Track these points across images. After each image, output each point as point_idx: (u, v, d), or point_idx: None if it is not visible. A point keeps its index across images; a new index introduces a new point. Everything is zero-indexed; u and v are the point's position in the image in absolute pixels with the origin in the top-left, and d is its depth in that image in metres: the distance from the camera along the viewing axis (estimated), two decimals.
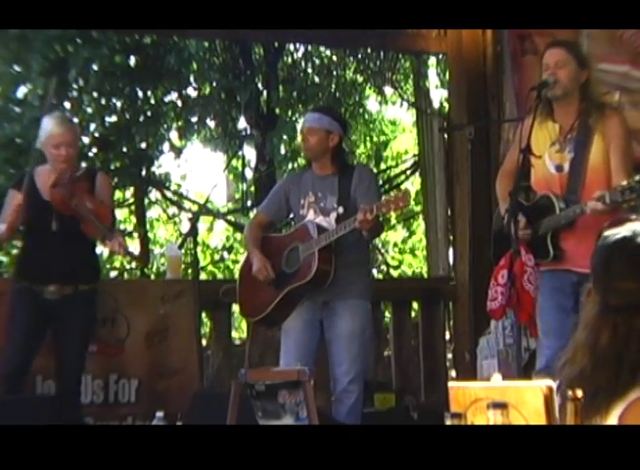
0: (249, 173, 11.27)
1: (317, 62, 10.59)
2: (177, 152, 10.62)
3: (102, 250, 11.22)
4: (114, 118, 9.52)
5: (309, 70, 10.53)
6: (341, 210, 5.04)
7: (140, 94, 9.54)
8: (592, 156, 4.40)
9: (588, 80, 4.48)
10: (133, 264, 11.52)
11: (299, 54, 10.55)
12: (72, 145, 5.21)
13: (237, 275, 5.56)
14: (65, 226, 5.11)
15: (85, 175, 5.30)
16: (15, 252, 5.41)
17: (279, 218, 5.47)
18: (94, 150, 9.45)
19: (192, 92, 10.18)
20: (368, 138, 11.87)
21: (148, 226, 11.94)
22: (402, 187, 11.30)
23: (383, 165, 12.15)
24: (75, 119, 8.99)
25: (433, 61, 9.87)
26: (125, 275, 11.58)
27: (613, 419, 2.08)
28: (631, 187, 4.00)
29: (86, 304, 5.21)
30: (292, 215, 5.39)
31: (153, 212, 12.56)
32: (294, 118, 10.29)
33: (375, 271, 11.95)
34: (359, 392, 5.04)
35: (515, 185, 4.27)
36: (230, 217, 12.43)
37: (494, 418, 1.98)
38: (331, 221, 5.04)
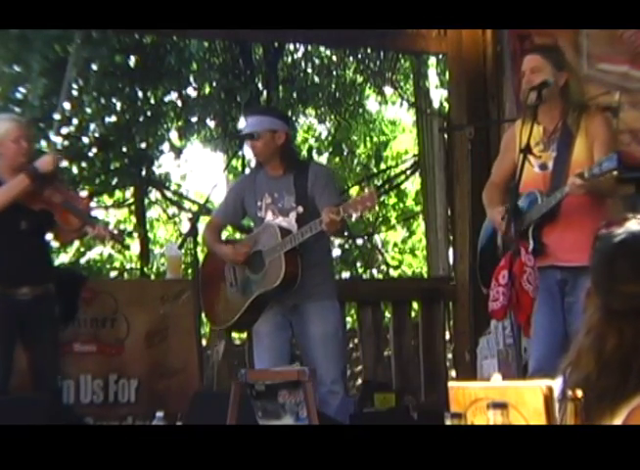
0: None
1: (317, 62, 10.57)
2: (177, 152, 10.62)
3: (102, 249, 11.27)
4: (113, 118, 9.52)
5: (309, 70, 10.51)
6: (300, 209, 4.98)
7: (140, 94, 9.54)
8: (575, 153, 4.42)
9: (567, 82, 4.50)
10: (133, 264, 11.53)
11: (299, 54, 10.54)
12: (29, 138, 5.21)
13: (199, 283, 5.44)
14: (33, 224, 5.07)
15: None
16: None
17: (234, 221, 5.44)
18: (94, 150, 9.45)
19: (192, 92, 10.18)
20: (368, 138, 11.86)
21: (148, 226, 11.93)
22: (402, 186, 11.31)
23: (383, 165, 12.14)
24: (75, 120, 9.05)
25: (433, 61, 9.86)
26: (125, 275, 11.58)
27: (617, 422, 2.08)
28: (609, 158, 4.00)
29: (54, 302, 5.17)
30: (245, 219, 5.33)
31: (153, 212, 12.55)
32: (294, 118, 10.29)
33: (375, 271, 11.95)
34: (343, 391, 5.03)
35: (515, 185, 4.29)
36: None
37: (494, 418, 1.98)
38: (291, 221, 4.99)
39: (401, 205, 12.25)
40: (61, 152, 5.40)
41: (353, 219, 5.51)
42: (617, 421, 2.06)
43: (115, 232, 5.55)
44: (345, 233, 8.92)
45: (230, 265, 5.12)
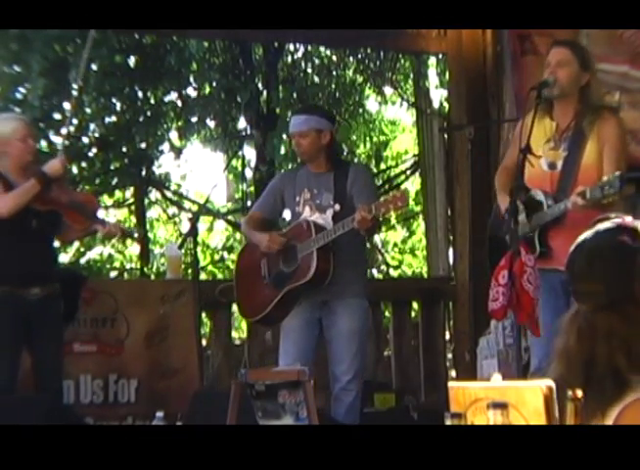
0: (249, 173, 11.26)
1: (317, 62, 10.58)
2: (177, 152, 10.63)
3: (102, 249, 11.28)
4: (113, 118, 9.52)
5: (309, 70, 10.52)
6: (337, 207, 5.02)
7: (140, 94, 9.54)
8: (586, 156, 4.40)
9: (589, 83, 4.47)
10: (133, 264, 11.53)
11: (299, 54, 10.55)
12: (34, 137, 5.22)
13: (234, 274, 5.54)
14: (43, 223, 5.07)
15: None
16: None
17: (274, 216, 5.45)
18: (94, 150, 9.45)
19: (192, 92, 10.19)
20: (368, 138, 11.86)
21: (148, 226, 11.94)
22: (402, 187, 11.31)
23: (383, 165, 12.14)
24: (75, 120, 9.04)
25: (433, 61, 9.87)
26: (125, 275, 11.59)
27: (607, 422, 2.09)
28: (611, 183, 4.00)
29: (60, 302, 5.17)
30: (286, 212, 5.37)
31: (153, 212, 12.56)
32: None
33: (375, 271, 11.95)
34: (358, 390, 5.04)
35: (515, 185, 4.28)
36: (230, 217, 12.43)
37: (494, 418, 1.98)
38: (327, 219, 5.02)
39: None
40: (66, 152, 5.37)
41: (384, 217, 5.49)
42: (610, 415, 2.07)
43: (123, 226, 5.56)
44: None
45: (265, 259, 5.15)
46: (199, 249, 11.42)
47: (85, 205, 5.15)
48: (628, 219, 2.28)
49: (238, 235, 11.93)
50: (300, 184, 5.15)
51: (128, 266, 11.78)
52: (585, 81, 4.46)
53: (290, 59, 10.59)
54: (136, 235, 5.15)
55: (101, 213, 7.89)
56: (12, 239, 5.03)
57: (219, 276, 11.82)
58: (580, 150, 4.41)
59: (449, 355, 7.52)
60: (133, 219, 11.60)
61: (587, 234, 2.28)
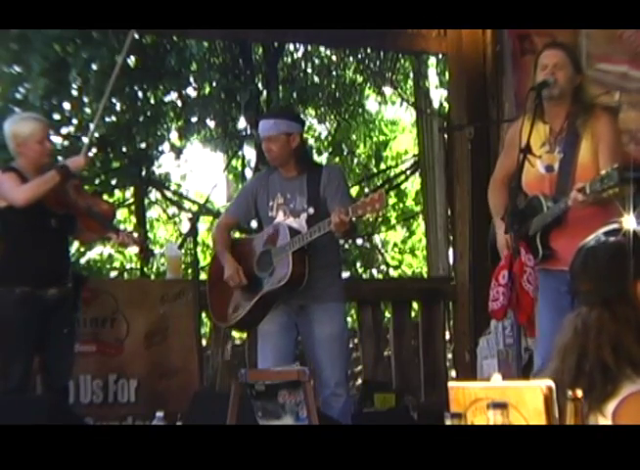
0: (249, 173, 11.26)
1: (317, 62, 10.57)
2: (177, 152, 10.61)
3: (102, 249, 11.27)
4: (113, 118, 9.51)
5: (309, 70, 10.51)
6: (311, 210, 4.99)
7: (140, 94, 9.53)
8: (581, 156, 4.41)
9: (581, 85, 4.50)
10: (133, 264, 11.52)
11: (299, 54, 10.54)
12: (49, 139, 5.23)
13: (206, 278, 5.49)
14: (61, 223, 5.07)
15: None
16: None
17: (246, 220, 5.44)
18: (94, 150, 9.44)
19: (192, 92, 10.17)
20: (368, 138, 11.86)
21: (148, 226, 11.93)
22: (402, 187, 11.31)
23: (383, 165, 12.14)
24: (75, 121, 9.05)
25: (433, 61, 9.86)
26: (125, 275, 11.58)
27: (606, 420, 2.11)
28: (609, 176, 4.00)
29: (72, 302, 5.17)
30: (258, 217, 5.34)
31: (153, 212, 12.54)
32: None
33: (375, 271, 11.94)
34: (347, 394, 5.03)
35: (515, 185, 4.29)
36: None
37: (494, 418, 1.98)
38: (301, 222, 4.99)
39: (401, 205, 12.24)
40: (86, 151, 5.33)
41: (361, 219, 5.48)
42: (608, 409, 2.10)
43: (137, 237, 5.55)
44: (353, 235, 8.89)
45: (239, 263, 5.13)
46: (199, 249, 11.42)
47: (102, 213, 5.15)
48: (628, 223, 2.33)
49: (238, 235, 11.92)
50: (273, 189, 5.10)
51: (128, 266, 11.76)
52: (578, 82, 4.48)
53: (290, 59, 10.58)
54: (147, 245, 5.18)
55: None
56: (31, 238, 5.04)
57: None
58: (575, 150, 4.42)
59: (449, 355, 7.52)
60: (133, 219, 11.59)
61: (590, 237, 2.37)
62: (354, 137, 11.49)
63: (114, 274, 11.28)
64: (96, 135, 9.37)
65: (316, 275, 4.92)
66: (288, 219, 5.03)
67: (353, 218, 4.70)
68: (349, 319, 8.61)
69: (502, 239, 4.45)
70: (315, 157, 10.90)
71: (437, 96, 9.89)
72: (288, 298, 4.99)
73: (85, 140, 9.14)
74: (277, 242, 4.99)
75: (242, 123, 10.68)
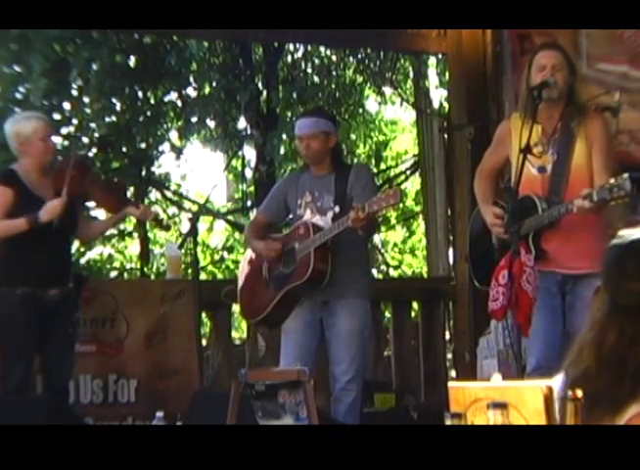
0: (249, 173, 11.27)
1: (317, 62, 10.57)
2: (177, 152, 10.61)
3: (102, 249, 11.27)
4: (113, 118, 9.51)
5: (309, 70, 10.51)
6: (337, 209, 5.02)
7: (140, 94, 9.53)
8: (575, 157, 4.42)
9: (575, 85, 4.50)
10: (133, 264, 11.53)
11: (299, 54, 10.54)
12: (52, 136, 5.27)
13: (238, 277, 5.56)
14: (63, 223, 5.07)
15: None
16: None
17: (278, 219, 5.47)
18: (94, 150, 9.44)
19: (192, 92, 10.18)
20: (368, 138, 11.86)
21: (148, 226, 11.93)
22: (402, 187, 11.29)
23: (383, 165, 12.14)
24: (75, 120, 9.05)
25: (433, 61, 9.86)
26: (125, 275, 11.58)
27: (617, 422, 2.08)
28: (619, 185, 4.00)
29: (73, 303, 5.18)
30: (291, 216, 5.40)
31: None
32: (294, 118, 10.27)
33: (375, 271, 11.94)
34: (358, 390, 5.04)
35: (512, 185, 4.29)
36: (230, 217, 12.42)
37: (494, 418, 1.98)
38: (327, 220, 5.03)
39: (401, 205, 12.25)
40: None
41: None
42: (618, 421, 2.06)
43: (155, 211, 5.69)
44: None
45: (266, 261, 5.17)
46: (199, 249, 11.43)
47: (118, 186, 5.33)
48: None
49: (237, 235, 11.93)
50: (302, 187, 5.17)
51: (128, 266, 11.77)
52: (572, 83, 4.48)
53: (290, 59, 10.58)
54: (165, 223, 5.18)
55: (101, 214, 7.90)
56: (32, 239, 5.03)
57: (219, 276, 11.82)
58: (569, 152, 4.43)
59: (449, 355, 7.52)
60: (133, 219, 11.59)
61: (638, 234, 2.25)
62: (354, 137, 11.49)
63: (114, 274, 11.29)
64: (96, 135, 9.40)
65: (341, 272, 4.96)
66: (314, 217, 5.08)
67: (371, 214, 4.73)
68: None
69: (491, 219, 4.49)
70: None
71: (437, 96, 9.90)
72: (311, 294, 5.02)
73: (85, 140, 9.17)
74: (302, 239, 5.03)
75: (242, 123, 10.69)
